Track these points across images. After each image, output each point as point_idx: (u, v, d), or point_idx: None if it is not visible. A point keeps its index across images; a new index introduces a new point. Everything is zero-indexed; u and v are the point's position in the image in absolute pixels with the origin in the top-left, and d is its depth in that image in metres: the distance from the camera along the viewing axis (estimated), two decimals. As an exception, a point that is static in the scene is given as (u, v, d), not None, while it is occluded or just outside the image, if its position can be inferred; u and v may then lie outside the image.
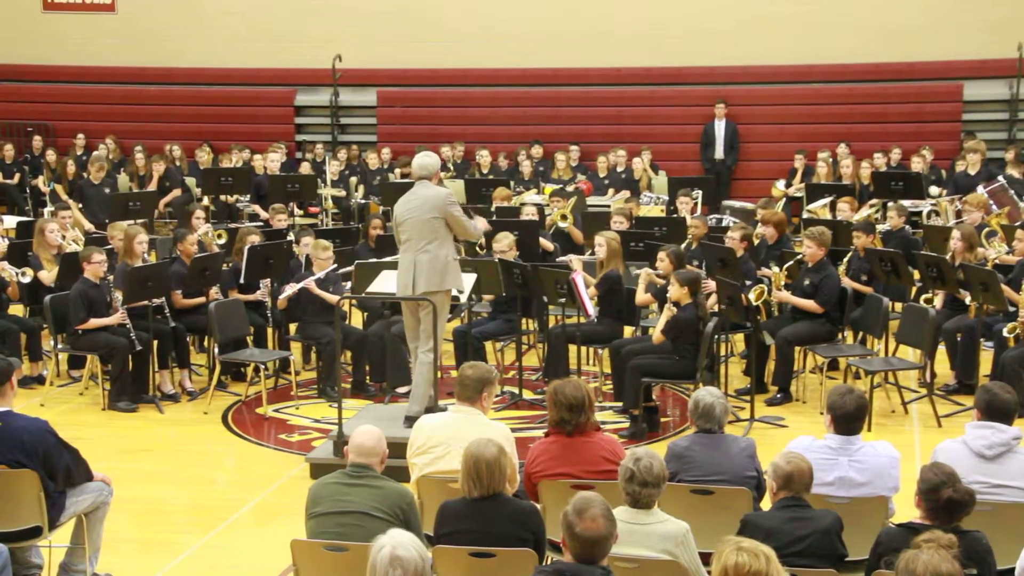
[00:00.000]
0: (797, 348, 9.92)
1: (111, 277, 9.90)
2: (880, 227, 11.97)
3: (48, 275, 10.67)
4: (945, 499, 4.73)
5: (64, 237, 11.21)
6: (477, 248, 11.61)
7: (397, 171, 16.53)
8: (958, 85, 17.63)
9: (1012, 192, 13.11)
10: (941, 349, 10.00)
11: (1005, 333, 9.39)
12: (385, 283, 8.71)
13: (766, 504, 5.50)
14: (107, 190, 15.31)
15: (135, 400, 9.78)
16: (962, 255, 9.98)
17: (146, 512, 7.67)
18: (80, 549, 6.24)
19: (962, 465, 5.47)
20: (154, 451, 8.95)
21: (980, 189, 12.94)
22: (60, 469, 5.99)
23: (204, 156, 17.88)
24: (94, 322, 9.62)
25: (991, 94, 17.66)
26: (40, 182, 17.54)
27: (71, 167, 17.23)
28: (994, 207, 12.31)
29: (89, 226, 13.81)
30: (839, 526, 5.06)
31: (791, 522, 4.99)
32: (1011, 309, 9.48)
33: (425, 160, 8.34)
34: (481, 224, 8.81)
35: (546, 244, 11.80)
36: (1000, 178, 13.64)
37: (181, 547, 7.10)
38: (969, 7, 17.34)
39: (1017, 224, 10.83)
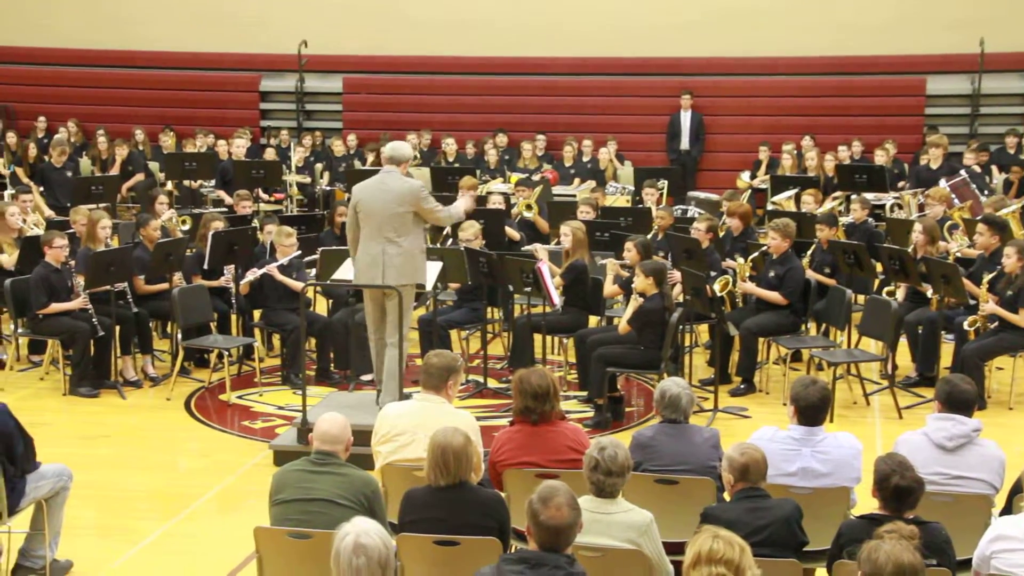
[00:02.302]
0: (761, 339, 9.98)
1: (73, 262, 9.81)
2: (843, 220, 12.05)
3: (8, 259, 10.56)
4: (893, 487, 4.78)
5: (25, 221, 11.09)
6: (438, 243, 11.58)
7: (369, 158, 16.42)
8: (921, 79, 17.76)
9: (974, 186, 13.22)
10: (903, 341, 10.08)
11: (966, 326, 9.49)
12: (349, 271, 8.69)
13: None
14: (69, 174, 15.16)
15: (97, 386, 9.72)
16: (924, 248, 10.06)
17: (107, 498, 7.62)
18: (40, 535, 6.20)
19: (922, 456, 5.53)
20: (116, 437, 8.89)
21: (942, 183, 13.04)
22: (19, 454, 5.94)
23: (168, 141, 17.73)
24: (55, 307, 9.54)
25: (953, 89, 17.80)
26: (0, 165, 17.32)
27: (32, 150, 17.05)
28: (956, 201, 12.41)
29: (50, 212, 13.66)
30: (798, 514, 5.10)
31: (751, 512, 5.02)
32: (972, 302, 9.58)
33: (401, 145, 8.36)
34: (463, 205, 8.80)
35: (512, 233, 11.79)
36: (962, 172, 13.75)
37: (143, 534, 7.06)
38: (932, 3, 17.47)
39: (978, 218, 10.92)
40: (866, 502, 5.29)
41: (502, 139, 17.50)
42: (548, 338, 10.36)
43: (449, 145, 17.14)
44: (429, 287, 8.97)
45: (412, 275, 8.17)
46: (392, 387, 8.18)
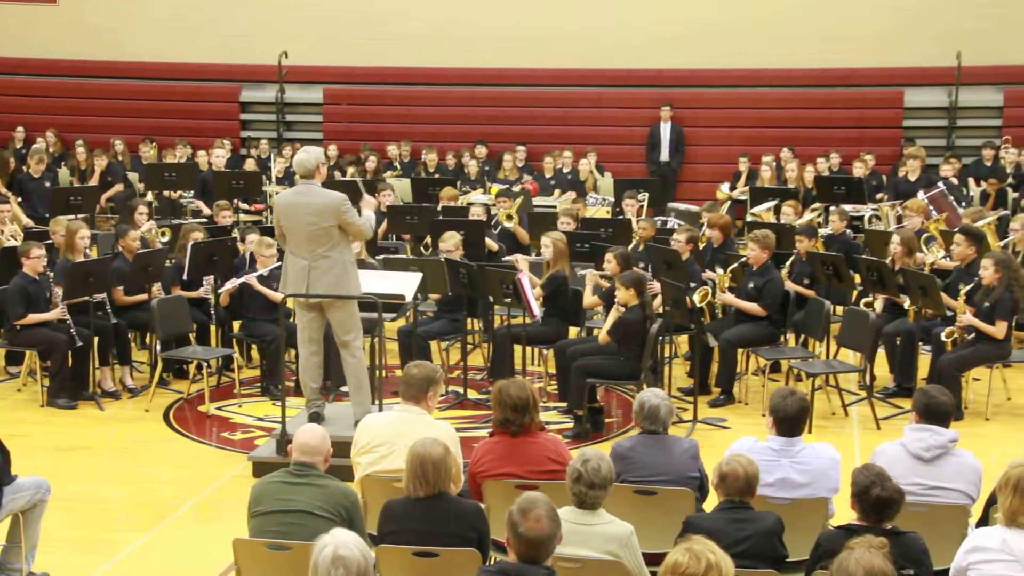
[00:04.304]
0: (740, 350, 10.01)
1: (51, 273, 9.76)
2: (822, 231, 12.11)
3: (-15, 269, 10.49)
4: (874, 498, 4.80)
5: (2, 231, 11.04)
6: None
7: (349, 170, 16.39)
8: (899, 92, 17.89)
9: (951, 198, 13.31)
10: (880, 352, 10.13)
11: (943, 337, 9.54)
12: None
13: (710, 504, 5.55)
14: (47, 184, 15.10)
15: (75, 397, 9.66)
16: (902, 259, 10.12)
17: (85, 510, 7.57)
18: (16, 547, 6.16)
19: (900, 467, 5.56)
20: (94, 449, 8.84)
21: (920, 195, 13.12)
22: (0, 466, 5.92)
23: (148, 151, 17.69)
24: (32, 317, 9.49)
25: (931, 101, 17.95)
26: (-23, 175, 17.23)
27: (10, 160, 16.96)
28: (933, 212, 12.49)
29: (27, 221, 13.60)
30: (780, 528, 5.11)
31: (732, 523, 5.03)
32: (949, 313, 9.63)
33: (303, 156, 7.99)
34: (370, 209, 8.30)
35: (491, 244, 11.80)
36: (940, 184, 13.85)
37: (120, 546, 7.03)
38: (911, 16, 17.60)
39: (955, 229, 10.99)
40: (844, 512, 5.31)
41: (481, 150, 17.53)
42: (528, 349, 10.37)
43: (430, 157, 17.15)
44: (409, 298, 8.95)
45: (344, 288, 7.97)
46: (360, 398, 8.15)
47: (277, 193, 15.85)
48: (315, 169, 7.96)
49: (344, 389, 9.54)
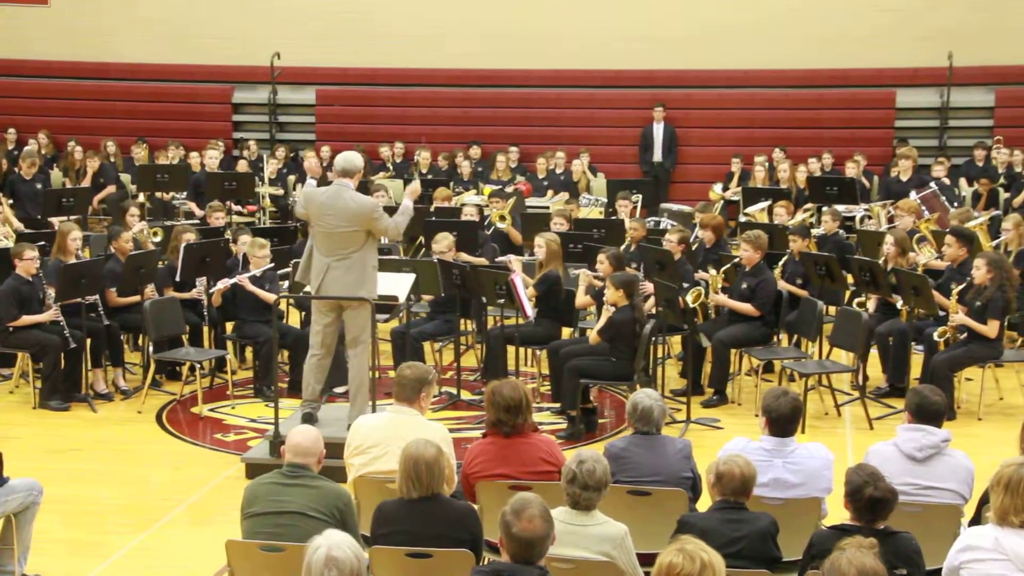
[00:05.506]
0: (733, 350, 10.01)
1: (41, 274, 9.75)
2: (815, 231, 12.12)
3: (-22, 271, 10.46)
4: (868, 498, 4.81)
5: (-6, 233, 11.03)
6: (410, 255, 11.50)
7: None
8: (891, 92, 17.91)
9: (943, 198, 13.34)
10: (873, 352, 10.14)
11: (935, 337, 9.56)
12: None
13: (703, 505, 5.55)
14: (39, 186, 15.07)
15: (67, 399, 9.64)
16: (895, 260, 10.13)
17: (78, 512, 7.56)
18: (8, 550, 6.16)
19: (893, 467, 5.57)
20: (86, 450, 8.83)
21: (913, 195, 13.14)
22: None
23: (140, 152, 17.66)
24: (26, 319, 9.48)
25: (922, 102, 17.97)
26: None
27: (2, 162, 16.92)
28: (926, 212, 12.51)
29: (18, 224, 13.56)
30: (774, 529, 5.11)
31: (727, 523, 5.04)
32: (941, 313, 9.65)
33: (351, 155, 8.17)
34: (408, 204, 8.37)
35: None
36: (932, 184, 13.88)
37: (113, 548, 7.02)
38: (903, 17, 17.63)
39: (947, 230, 11.01)
40: (837, 512, 5.32)
41: (475, 151, 17.52)
42: (521, 350, 10.37)
43: (424, 157, 17.14)
44: (402, 299, 8.96)
45: (360, 290, 8.02)
46: (360, 401, 8.16)
47: (271, 195, 16.04)
48: (357, 172, 8.12)
49: (338, 390, 9.56)
